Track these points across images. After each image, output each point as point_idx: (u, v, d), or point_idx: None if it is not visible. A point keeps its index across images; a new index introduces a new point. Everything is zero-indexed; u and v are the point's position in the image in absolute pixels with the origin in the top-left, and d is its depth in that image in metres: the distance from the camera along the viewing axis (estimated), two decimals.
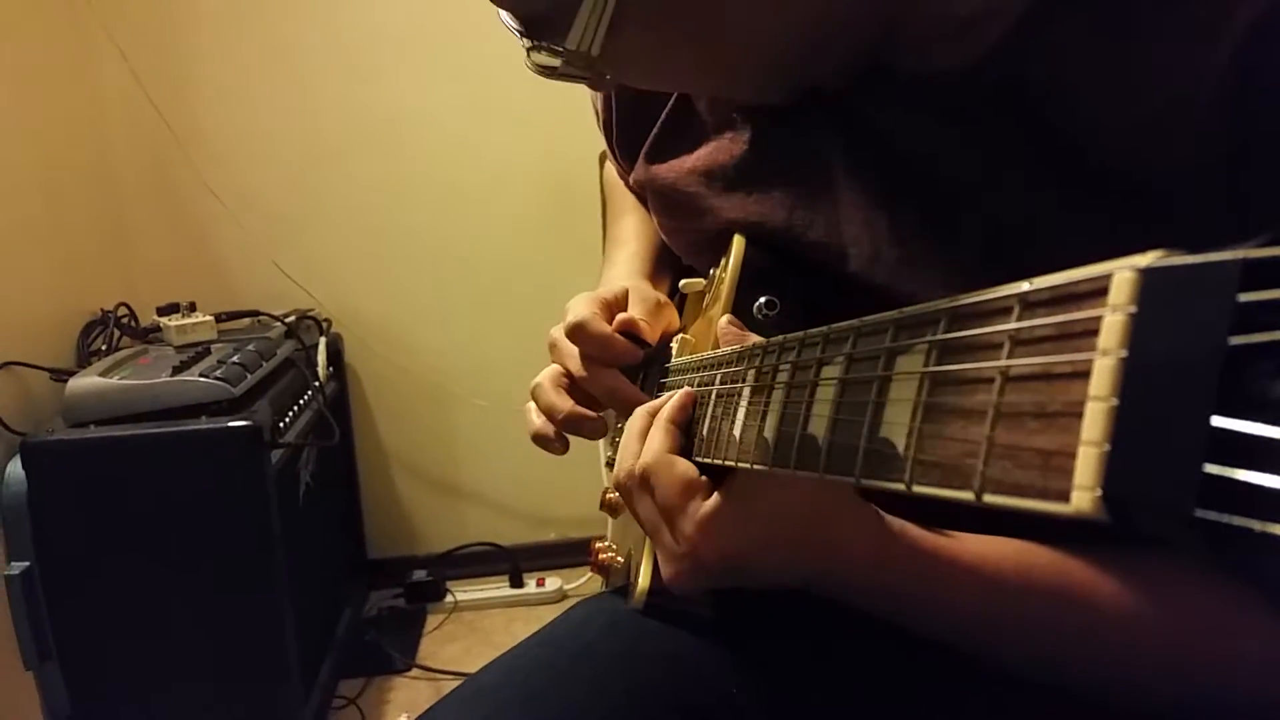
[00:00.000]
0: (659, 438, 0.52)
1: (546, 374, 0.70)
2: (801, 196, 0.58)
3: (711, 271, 0.67)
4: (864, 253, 0.55)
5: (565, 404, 0.67)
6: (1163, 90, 0.44)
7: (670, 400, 0.53)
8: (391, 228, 2.06)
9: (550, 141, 2.00)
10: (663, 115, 0.70)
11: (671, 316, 0.71)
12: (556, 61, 0.51)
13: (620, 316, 0.66)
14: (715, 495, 0.50)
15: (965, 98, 0.50)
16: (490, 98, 2.01)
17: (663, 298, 0.72)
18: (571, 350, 0.67)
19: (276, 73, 1.98)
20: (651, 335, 0.67)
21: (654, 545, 0.55)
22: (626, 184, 0.89)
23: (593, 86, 0.58)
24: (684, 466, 0.51)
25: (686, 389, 0.53)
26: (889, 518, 0.50)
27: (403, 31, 1.98)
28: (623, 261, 0.82)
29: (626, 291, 0.70)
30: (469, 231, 2.07)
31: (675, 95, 0.69)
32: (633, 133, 0.74)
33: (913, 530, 0.50)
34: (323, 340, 1.85)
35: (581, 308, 0.66)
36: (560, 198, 2.02)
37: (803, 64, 0.54)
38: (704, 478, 0.51)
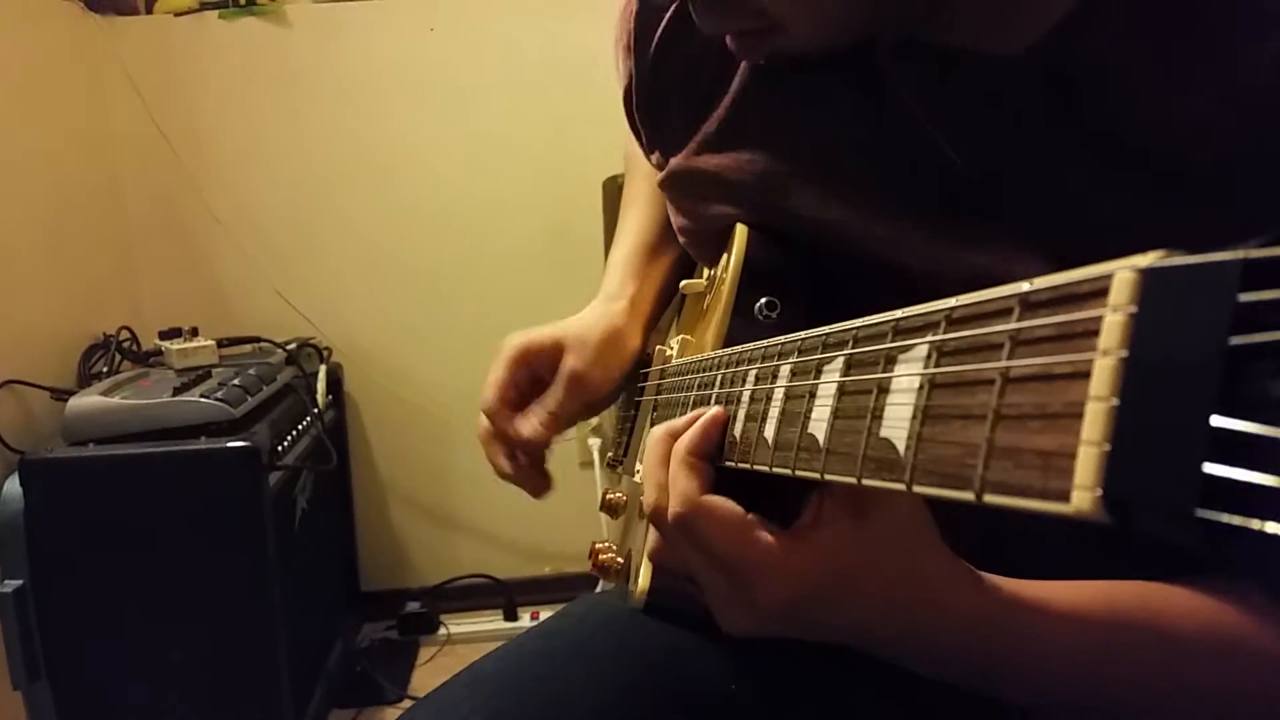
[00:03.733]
0: (684, 479, 0.44)
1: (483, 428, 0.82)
2: (832, 175, 0.57)
3: (710, 272, 0.67)
4: (891, 234, 0.53)
5: (503, 466, 0.81)
6: (1214, 83, 0.44)
7: (691, 429, 0.46)
8: (393, 259, 2.07)
9: (549, 175, 2.02)
10: (726, 103, 0.64)
11: (627, 342, 0.78)
12: None
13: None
14: (777, 535, 0.42)
15: (1012, 81, 0.49)
16: (491, 132, 2.02)
17: (615, 328, 0.78)
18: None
19: (282, 104, 2.00)
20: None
21: (707, 595, 0.47)
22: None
23: None
24: (725, 510, 0.43)
25: (716, 410, 0.46)
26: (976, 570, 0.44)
27: (405, 65, 2.00)
28: (618, 264, 0.83)
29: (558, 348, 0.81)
30: (468, 264, 2.08)
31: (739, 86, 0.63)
32: (683, 115, 0.68)
33: (1005, 581, 0.44)
34: (323, 368, 1.85)
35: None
36: (558, 231, 2.03)
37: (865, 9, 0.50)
38: (752, 515, 0.43)
